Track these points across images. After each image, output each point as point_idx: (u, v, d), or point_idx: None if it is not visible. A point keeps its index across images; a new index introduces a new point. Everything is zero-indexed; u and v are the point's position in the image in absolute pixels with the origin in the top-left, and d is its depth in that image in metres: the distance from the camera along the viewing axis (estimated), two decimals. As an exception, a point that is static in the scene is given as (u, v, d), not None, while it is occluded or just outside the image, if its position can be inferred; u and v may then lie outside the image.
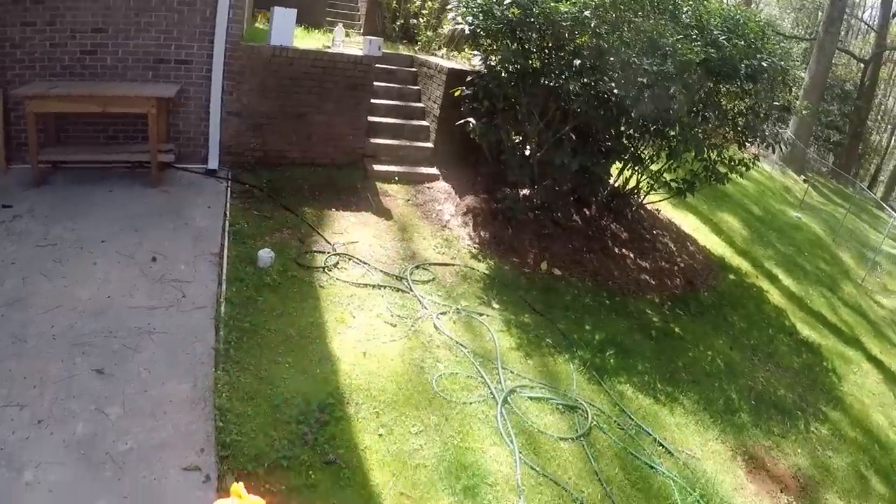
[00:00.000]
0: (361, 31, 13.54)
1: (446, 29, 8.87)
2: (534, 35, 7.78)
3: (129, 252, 5.84)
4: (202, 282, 5.61)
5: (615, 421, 5.58)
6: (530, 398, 5.49)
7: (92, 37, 7.18)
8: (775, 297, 9.88)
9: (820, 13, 27.67)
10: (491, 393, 5.38)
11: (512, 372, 5.75)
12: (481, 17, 7.69)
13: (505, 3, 7.39)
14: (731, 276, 9.83)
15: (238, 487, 2.98)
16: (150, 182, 7.19)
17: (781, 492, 5.78)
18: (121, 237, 6.07)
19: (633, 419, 5.69)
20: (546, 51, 7.88)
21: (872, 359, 9.46)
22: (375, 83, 9.35)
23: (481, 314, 6.50)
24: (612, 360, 6.41)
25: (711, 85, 8.07)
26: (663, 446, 5.51)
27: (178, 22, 7.42)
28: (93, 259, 5.64)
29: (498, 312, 6.66)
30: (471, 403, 5.20)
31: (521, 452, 4.83)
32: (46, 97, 6.58)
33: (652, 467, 5.22)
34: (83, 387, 4.19)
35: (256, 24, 10.64)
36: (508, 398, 5.37)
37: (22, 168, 7.02)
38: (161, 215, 6.64)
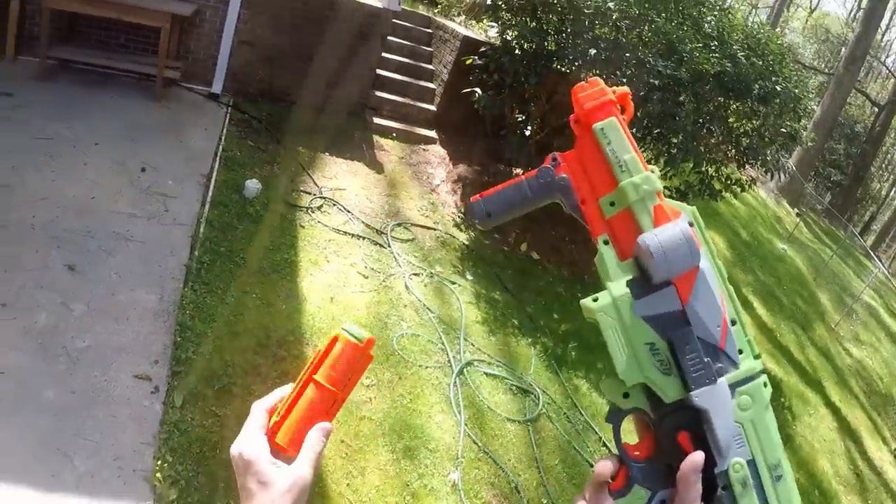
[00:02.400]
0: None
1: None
2: (553, 17, 7.76)
3: (121, 159, 5.90)
4: (187, 200, 5.70)
5: (565, 413, 5.67)
6: (486, 374, 5.57)
7: None
8: (747, 324, 10.01)
9: (843, 49, 27.68)
10: (448, 361, 5.46)
11: (473, 345, 5.83)
12: None
13: None
14: None
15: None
16: (154, 96, 7.22)
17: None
18: (115, 144, 6.13)
19: (583, 414, 5.77)
20: (563, 35, 7.86)
21: (830, 405, 9.61)
22: (390, 38, 9.35)
23: (453, 282, 6.59)
24: (573, 353, 6.50)
25: (722, 100, 8.07)
26: (607, 447, 5.56)
27: None
28: (84, 160, 5.71)
29: (470, 284, 6.75)
30: (427, 367, 5.29)
31: (466, 425, 4.92)
32: None
33: (591, 465, 5.33)
34: (53, 280, 4.29)
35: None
36: (465, 369, 5.46)
37: (30, 60, 6.97)
38: (158, 129, 6.72)
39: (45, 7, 6.50)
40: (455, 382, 5.27)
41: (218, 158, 6.66)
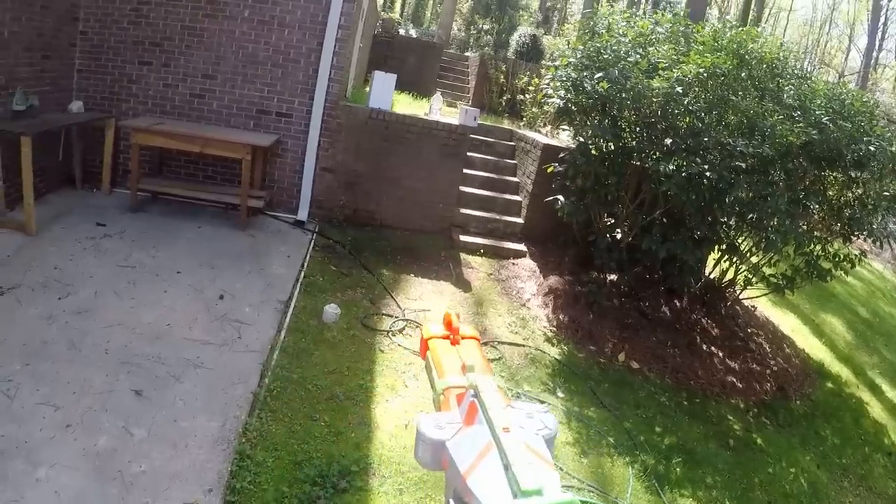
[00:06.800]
0: (469, 103, 13.80)
1: (554, 108, 8.86)
2: (625, 111, 7.56)
3: (200, 287, 6.01)
4: (262, 327, 5.63)
5: None
6: None
7: (202, 82, 7.77)
8: (876, 410, 8.93)
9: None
10: None
11: (561, 469, 5.22)
12: (572, 92, 7.58)
13: (595, 77, 7.24)
14: (829, 385, 8.96)
15: (452, 315, 2.70)
16: (239, 225, 7.43)
17: None
18: (196, 272, 6.29)
19: None
20: (638, 128, 7.65)
21: None
22: (473, 154, 9.41)
23: (542, 402, 6.07)
24: (677, 469, 5.76)
25: (816, 172, 7.58)
26: None
27: (282, 77, 7.89)
28: (164, 287, 5.88)
29: (561, 402, 6.21)
30: None
31: None
32: (151, 131, 7.04)
33: None
34: (118, 403, 4.27)
35: (367, 88, 10.98)
36: None
37: (123, 193, 7.55)
38: (241, 257, 6.84)
39: (134, 143, 6.90)
40: (538, 514, 4.75)
41: (299, 284, 6.65)
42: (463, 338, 2.62)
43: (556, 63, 8.11)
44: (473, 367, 2.19)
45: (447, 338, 2.51)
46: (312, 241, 7.74)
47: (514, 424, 1.76)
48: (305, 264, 7.15)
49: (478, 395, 1.73)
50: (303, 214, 8.16)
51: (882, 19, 38.20)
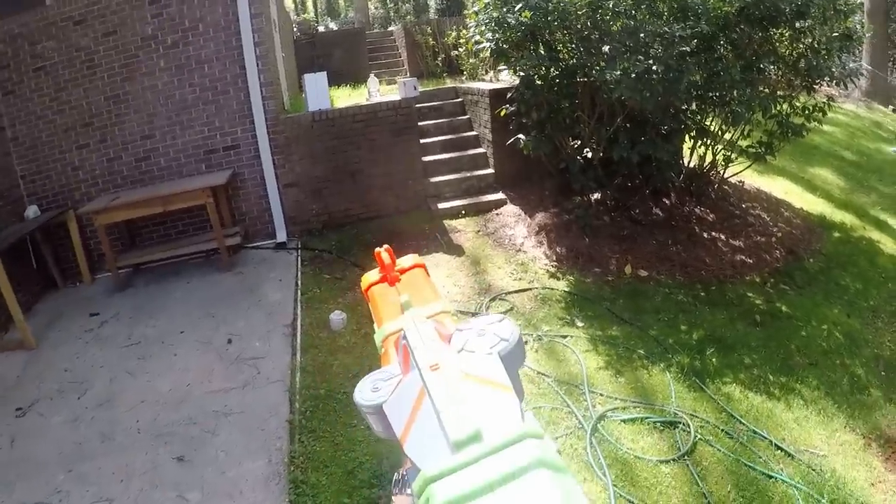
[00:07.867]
0: (407, 74, 13.76)
1: (487, 52, 8.81)
2: (556, 33, 7.53)
3: (206, 338, 6.04)
4: (276, 356, 5.67)
5: (722, 430, 4.94)
6: (623, 421, 4.96)
7: (142, 144, 7.74)
8: (889, 245, 8.87)
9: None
10: (579, 422, 4.92)
11: (601, 395, 5.27)
12: (499, 31, 7.55)
13: (516, 9, 7.18)
14: (836, 234, 8.95)
15: (381, 252, 2.30)
16: (223, 267, 7.46)
17: (930, 474, 4.97)
18: (199, 325, 6.31)
19: (743, 423, 5.03)
20: (573, 45, 7.57)
21: None
22: (425, 122, 9.38)
23: (565, 336, 6.09)
24: (713, 360, 5.80)
25: (760, 34, 7.52)
26: (781, 449, 4.80)
27: (217, 112, 7.85)
28: (173, 351, 5.90)
29: (583, 331, 6.23)
30: (557, 438, 4.76)
31: (615, 485, 4.32)
32: (110, 209, 7.00)
33: (770, 476, 4.54)
34: (165, 475, 4.31)
35: (302, 94, 10.99)
36: (598, 425, 4.88)
37: (105, 277, 7.57)
38: (235, 296, 6.86)
39: (98, 226, 6.93)
40: (591, 442, 4.68)
41: (298, 304, 6.67)
42: (402, 272, 2.34)
43: (476, 8, 8.07)
44: (409, 302, 1.84)
45: (385, 280, 2.18)
46: (299, 258, 7.75)
47: (449, 355, 1.39)
48: (299, 282, 7.16)
49: (405, 335, 1.42)
50: (281, 236, 8.16)
51: None
